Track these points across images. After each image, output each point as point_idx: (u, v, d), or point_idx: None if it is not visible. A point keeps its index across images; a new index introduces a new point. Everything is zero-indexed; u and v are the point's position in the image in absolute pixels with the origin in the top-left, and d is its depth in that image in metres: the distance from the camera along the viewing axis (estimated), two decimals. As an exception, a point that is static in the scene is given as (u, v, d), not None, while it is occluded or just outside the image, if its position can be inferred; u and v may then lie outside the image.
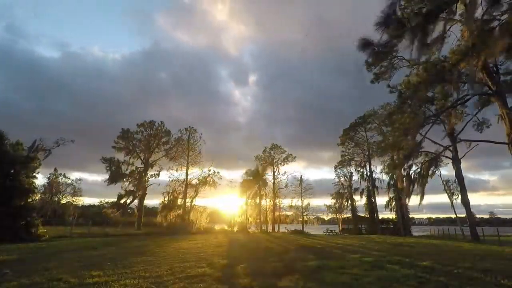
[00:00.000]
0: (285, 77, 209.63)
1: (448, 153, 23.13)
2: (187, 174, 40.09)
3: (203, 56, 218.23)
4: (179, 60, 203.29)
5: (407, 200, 32.42)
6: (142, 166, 37.25)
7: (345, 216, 43.83)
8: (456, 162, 22.06)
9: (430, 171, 25.86)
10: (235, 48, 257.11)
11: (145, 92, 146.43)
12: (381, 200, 49.61)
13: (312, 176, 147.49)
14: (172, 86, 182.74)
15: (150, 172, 37.98)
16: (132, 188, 36.86)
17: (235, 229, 43.41)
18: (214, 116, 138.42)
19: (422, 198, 29.91)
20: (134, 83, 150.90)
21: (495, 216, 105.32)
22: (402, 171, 29.63)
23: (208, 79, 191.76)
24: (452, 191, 35.02)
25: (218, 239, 20.90)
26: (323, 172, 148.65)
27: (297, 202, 47.41)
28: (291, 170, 47.27)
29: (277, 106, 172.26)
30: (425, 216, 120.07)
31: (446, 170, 47.79)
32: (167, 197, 39.77)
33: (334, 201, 44.39)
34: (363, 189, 41.67)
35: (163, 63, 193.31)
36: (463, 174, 21.98)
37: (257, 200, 46.68)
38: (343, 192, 43.49)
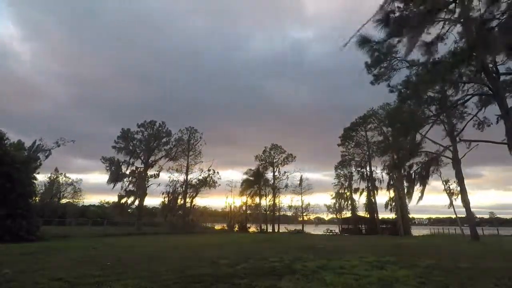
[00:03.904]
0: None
1: (448, 153, 23.12)
2: (187, 174, 40.15)
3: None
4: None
5: (407, 200, 32.58)
6: (142, 166, 37.22)
7: (345, 216, 43.83)
8: (456, 162, 22.05)
9: (430, 171, 25.93)
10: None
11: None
12: (381, 200, 49.54)
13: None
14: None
15: (150, 172, 37.97)
16: (132, 188, 36.87)
17: (235, 228, 43.52)
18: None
19: (421, 198, 30.11)
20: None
21: (495, 216, 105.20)
22: (402, 171, 29.77)
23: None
24: (452, 191, 35.05)
25: (218, 239, 20.91)
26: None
27: (297, 202, 47.48)
28: (291, 169, 47.11)
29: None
30: (425, 216, 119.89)
31: (446, 170, 47.67)
32: (167, 197, 39.85)
33: (334, 201, 44.45)
34: (363, 189, 41.74)
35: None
36: (463, 174, 21.94)
37: (257, 200, 46.76)
38: (343, 192, 43.53)
